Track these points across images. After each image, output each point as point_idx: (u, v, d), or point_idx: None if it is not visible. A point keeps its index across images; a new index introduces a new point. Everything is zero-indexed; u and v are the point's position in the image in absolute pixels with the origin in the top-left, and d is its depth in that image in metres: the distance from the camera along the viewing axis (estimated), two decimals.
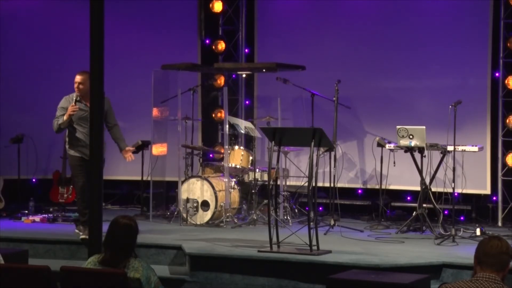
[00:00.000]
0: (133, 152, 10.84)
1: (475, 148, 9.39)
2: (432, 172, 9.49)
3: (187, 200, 9.98)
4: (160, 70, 10.66)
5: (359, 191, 11.11)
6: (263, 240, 8.27)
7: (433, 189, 9.50)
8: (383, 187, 10.21)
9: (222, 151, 10.66)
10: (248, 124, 10.28)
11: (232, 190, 10.11)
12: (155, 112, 10.91)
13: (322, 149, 9.15)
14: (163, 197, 11.14)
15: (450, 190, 9.30)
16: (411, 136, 9.23)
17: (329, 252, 7.94)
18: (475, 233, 9.08)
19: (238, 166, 10.18)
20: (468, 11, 10.41)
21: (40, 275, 5.09)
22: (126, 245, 5.11)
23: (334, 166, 10.03)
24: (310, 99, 10.24)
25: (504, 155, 10.17)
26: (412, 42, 10.68)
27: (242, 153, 10.23)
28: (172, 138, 10.98)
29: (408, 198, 10.78)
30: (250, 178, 10.30)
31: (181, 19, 11.78)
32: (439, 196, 9.54)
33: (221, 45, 11.61)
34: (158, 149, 11.04)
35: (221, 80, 11.60)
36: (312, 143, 7.89)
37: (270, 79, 10.71)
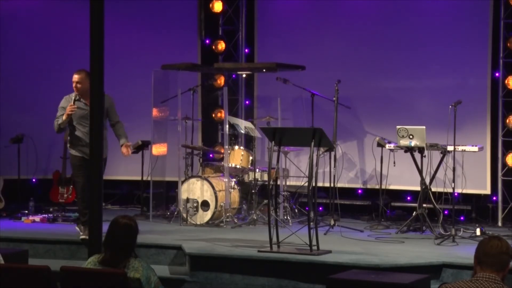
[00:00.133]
0: (133, 152, 10.87)
1: (475, 148, 9.39)
2: (432, 172, 9.49)
3: (187, 200, 9.98)
4: (160, 70, 10.66)
5: (359, 191, 11.11)
6: (263, 240, 8.27)
7: (433, 189, 9.50)
8: (383, 187, 10.21)
9: (222, 151, 10.66)
10: (248, 124, 10.28)
11: (232, 190, 10.11)
12: (155, 112, 10.91)
13: (322, 149, 9.15)
14: (163, 197, 11.14)
15: (450, 190, 9.30)
16: (411, 136, 9.23)
17: (329, 252, 7.94)
18: (475, 233, 9.08)
19: (238, 166, 10.19)
20: (468, 11, 10.41)
21: (40, 275, 5.09)
22: (126, 245, 5.11)
23: (334, 166, 10.03)
24: (310, 99, 10.24)
25: (504, 155, 10.17)
26: (412, 42, 10.68)
27: (242, 153, 10.24)
28: (172, 138, 10.99)
29: (408, 198, 10.79)
30: (250, 178, 10.30)
31: (181, 19, 11.79)
32: (439, 196, 9.54)
33: (221, 45, 11.61)
34: (158, 149, 11.04)
35: (221, 80, 11.60)
36: (312, 143, 7.89)
37: (270, 79, 10.71)
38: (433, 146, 9.30)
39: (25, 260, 7.71)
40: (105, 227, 5.41)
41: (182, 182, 10.11)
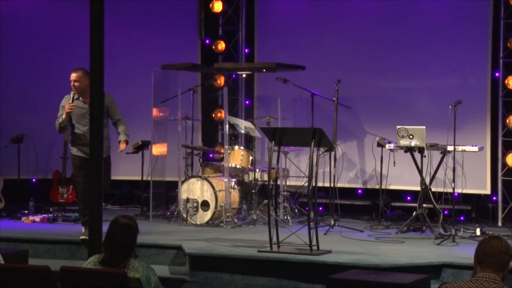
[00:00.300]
0: (133, 152, 10.90)
1: (475, 148, 9.39)
2: (432, 172, 9.49)
3: (187, 200, 9.98)
4: (160, 70, 10.66)
5: (359, 191, 11.11)
6: (263, 240, 8.27)
7: (433, 189, 9.50)
8: (383, 187, 10.21)
9: (222, 151, 10.66)
10: (248, 124, 10.28)
11: (232, 190, 10.11)
12: (155, 112, 10.91)
13: (322, 149, 9.15)
14: (163, 197, 11.14)
15: (450, 190, 9.30)
16: (411, 136, 9.23)
17: (329, 252, 7.94)
18: (475, 233, 9.08)
19: (238, 166, 10.18)
20: (468, 11, 10.41)
21: (40, 275, 5.09)
22: (126, 245, 5.11)
23: (334, 166, 10.02)
24: (310, 99, 10.24)
25: (504, 155, 10.17)
26: (412, 42, 10.68)
27: (242, 153, 10.24)
28: (172, 138, 10.99)
29: (408, 198, 10.78)
30: (250, 178, 10.30)
31: (181, 19, 11.79)
32: (439, 196, 9.53)
33: (221, 45, 11.61)
34: (158, 149, 11.04)
35: (221, 80, 11.60)
36: (312, 143, 7.88)
37: (270, 79, 10.71)
38: (433, 146, 9.29)
39: (25, 260, 7.70)
40: (105, 227, 5.41)
41: (182, 182, 10.11)
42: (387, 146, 9.82)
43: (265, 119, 10.30)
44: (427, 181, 9.42)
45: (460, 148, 9.23)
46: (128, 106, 10.80)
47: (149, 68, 10.71)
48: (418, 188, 9.62)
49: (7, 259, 5.85)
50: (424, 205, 9.35)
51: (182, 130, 10.66)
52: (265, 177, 10.02)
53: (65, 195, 11.06)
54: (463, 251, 8.09)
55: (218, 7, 11.62)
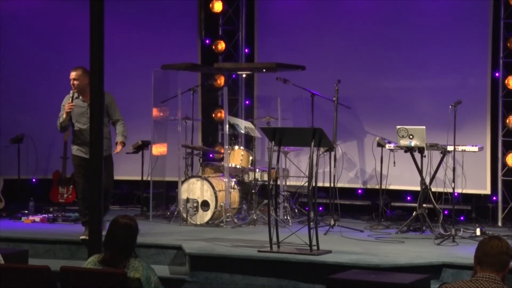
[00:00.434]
0: (133, 152, 10.89)
1: (475, 148, 9.39)
2: (432, 172, 9.49)
3: (187, 200, 9.98)
4: (160, 70, 10.66)
5: (359, 191, 11.11)
6: (263, 240, 8.27)
7: (433, 189, 9.50)
8: (383, 187, 10.21)
9: (222, 151, 10.66)
10: (248, 124, 10.28)
11: (232, 190, 10.11)
12: (155, 112, 10.91)
13: (322, 149, 9.15)
14: (163, 197, 11.14)
15: (450, 190, 9.30)
16: (411, 136, 9.23)
17: (329, 252, 7.93)
18: (475, 233, 9.08)
19: (238, 166, 10.19)
20: (468, 11, 10.41)
21: (40, 275, 5.09)
22: (126, 245, 5.11)
23: (334, 166, 10.02)
24: (310, 99, 10.24)
25: (504, 155, 10.17)
26: (412, 42, 10.68)
27: (242, 153, 10.24)
28: (172, 138, 10.99)
29: (408, 198, 10.78)
30: (250, 178, 10.30)
31: (181, 19, 11.79)
32: (439, 196, 9.53)
33: (221, 45, 11.61)
34: (158, 149, 11.04)
35: (221, 80, 11.60)
36: (312, 143, 7.88)
37: (270, 79, 10.71)
38: (433, 146, 9.29)
39: (25, 260, 7.71)
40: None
41: (182, 182, 10.11)
42: (387, 146, 9.82)
43: (265, 119, 10.30)
44: (427, 181, 9.42)
45: (460, 148, 9.23)
46: (128, 106, 10.80)
47: (149, 68, 10.72)
48: (418, 188, 9.62)
49: (7, 259, 5.85)
50: (424, 205, 9.35)
51: (182, 130, 10.66)
52: (265, 177, 10.02)
53: (65, 195, 11.06)
54: (463, 251, 8.09)
55: (218, 7, 11.62)
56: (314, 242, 7.86)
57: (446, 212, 9.70)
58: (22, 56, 11.77)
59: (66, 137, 10.70)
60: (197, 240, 8.70)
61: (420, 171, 9.37)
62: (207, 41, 11.75)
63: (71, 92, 8.84)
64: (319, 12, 11.24)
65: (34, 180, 11.94)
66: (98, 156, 5.75)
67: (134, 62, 11.65)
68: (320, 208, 10.54)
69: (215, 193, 9.87)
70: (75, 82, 8.77)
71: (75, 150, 8.89)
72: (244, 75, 11.50)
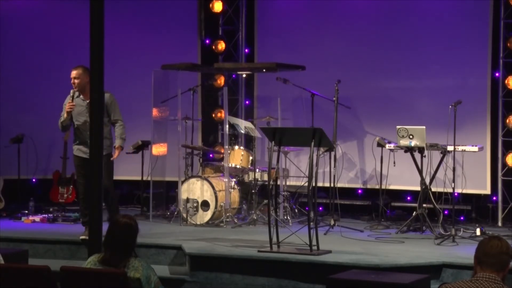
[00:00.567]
0: (133, 152, 10.90)
1: (475, 148, 9.39)
2: (432, 172, 9.49)
3: (187, 200, 9.98)
4: (160, 70, 10.66)
5: (359, 191, 11.11)
6: (263, 240, 8.27)
7: (433, 189, 9.50)
8: (383, 187, 10.21)
9: (222, 151, 10.66)
10: (248, 124, 10.28)
11: (232, 190, 10.11)
12: (155, 112, 10.91)
13: (322, 149, 9.15)
14: (163, 197, 11.14)
15: (450, 190, 9.30)
16: (411, 136, 9.23)
17: (329, 252, 7.93)
18: (475, 233, 9.08)
19: (238, 166, 10.18)
20: (468, 11, 10.41)
21: (40, 275, 5.09)
22: (126, 244, 5.10)
23: (334, 166, 10.02)
24: (310, 99, 10.24)
25: (504, 155, 10.17)
26: (412, 42, 10.68)
27: (242, 153, 10.23)
28: (172, 138, 10.98)
29: (408, 198, 10.78)
30: (250, 178, 10.30)
31: (181, 19, 11.78)
32: (439, 196, 9.53)
33: (221, 45, 11.61)
34: (158, 149, 11.04)
35: (221, 80, 11.60)
36: (312, 143, 7.88)
37: (270, 79, 10.70)
38: (433, 146, 9.29)
39: (25, 260, 7.71)
40: (105, 227, 5.41)
41: (182, 182, 10.11)
42: (387, 146, 9.82)
43: (265, 119, 10.30)
44: (427, 181, 9.42)
45: (460, 148, 9.23)
46: (128, 106, 10.80)
47: (149, 68, 10.72)
48: (418, 188, 9.62)
49: (7, 259, 5.85)
50: (424, 205, 9.35)
51: (182, 130, 10.66)
52: (265, 177, 10.02)
53: (65, 195, 11.06)
54: (463, 251, 8.09)
55: (218, 7, 11.62)
56: (314, 242, 7.86)
57: (446, 212, 9.70)
58: (22, 56, 11.77)
59: (66, 137, 10.70)
60: (197, 240, 8.70)
61: (420, 171, 9.37)
62: (207, 41, 11.75)
63: (71, 91, 8.84)
64: (319, 12, 11.24)
65: (34, 180, 11.94)
66: (98, 156, 5.76)
67: (134, 62, 11.65)
68: (320, 208, 10.54)
69: (215, 193, 9.87)
70: (76, 81, 8.78)
71: (75, 150, 8.90)
72: (244, 75, 11.50)
